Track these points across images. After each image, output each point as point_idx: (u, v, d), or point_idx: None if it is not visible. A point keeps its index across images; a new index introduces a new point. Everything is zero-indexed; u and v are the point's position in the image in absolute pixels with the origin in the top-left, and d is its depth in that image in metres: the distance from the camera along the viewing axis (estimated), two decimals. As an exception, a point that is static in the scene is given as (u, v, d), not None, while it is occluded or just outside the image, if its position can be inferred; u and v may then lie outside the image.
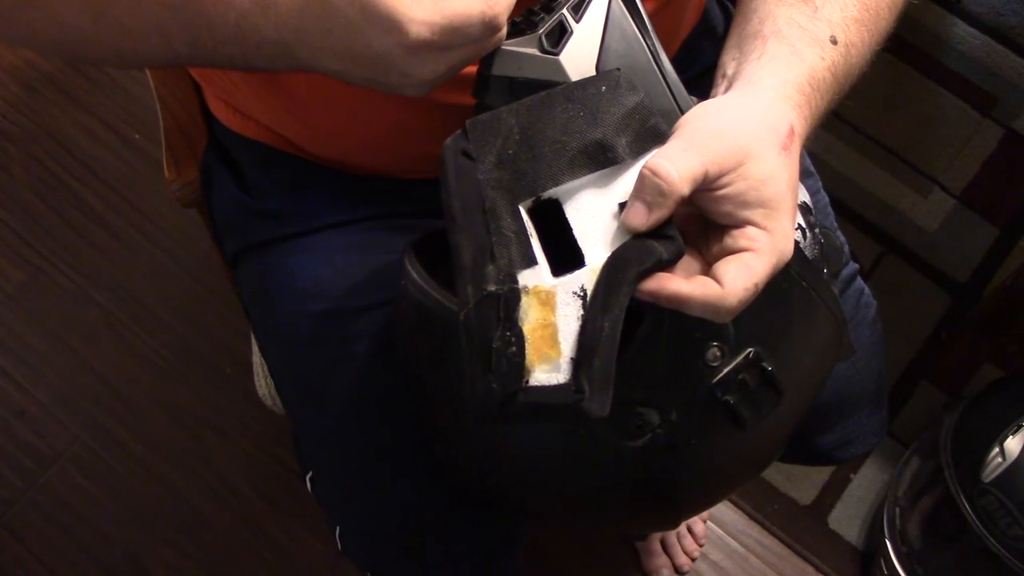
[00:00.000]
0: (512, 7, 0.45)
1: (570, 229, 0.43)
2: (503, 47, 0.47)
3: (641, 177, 0.42)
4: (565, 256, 0.43)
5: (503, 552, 0.71)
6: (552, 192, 0.44)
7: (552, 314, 0.42)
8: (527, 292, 0.42)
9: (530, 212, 0.44)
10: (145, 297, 1.36)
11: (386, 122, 0.63)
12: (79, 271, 1.38)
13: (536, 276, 0.42)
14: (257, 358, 0.87)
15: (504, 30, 0.46)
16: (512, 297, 0.42)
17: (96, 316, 1.35)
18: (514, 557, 0.73)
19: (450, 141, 0.45)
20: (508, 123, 0.44)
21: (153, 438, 1.29)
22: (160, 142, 0.76)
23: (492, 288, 0.42)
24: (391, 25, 0.43)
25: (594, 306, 0.42)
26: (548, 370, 0.41)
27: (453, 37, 0.43)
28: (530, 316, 0.42)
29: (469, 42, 0.44)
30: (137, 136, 1.46)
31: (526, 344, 0.41)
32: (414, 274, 0.54)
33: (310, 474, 0.71)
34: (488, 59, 0.47)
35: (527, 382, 0.41)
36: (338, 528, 0.70)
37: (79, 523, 1.24)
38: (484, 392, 0.41)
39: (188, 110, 0.77)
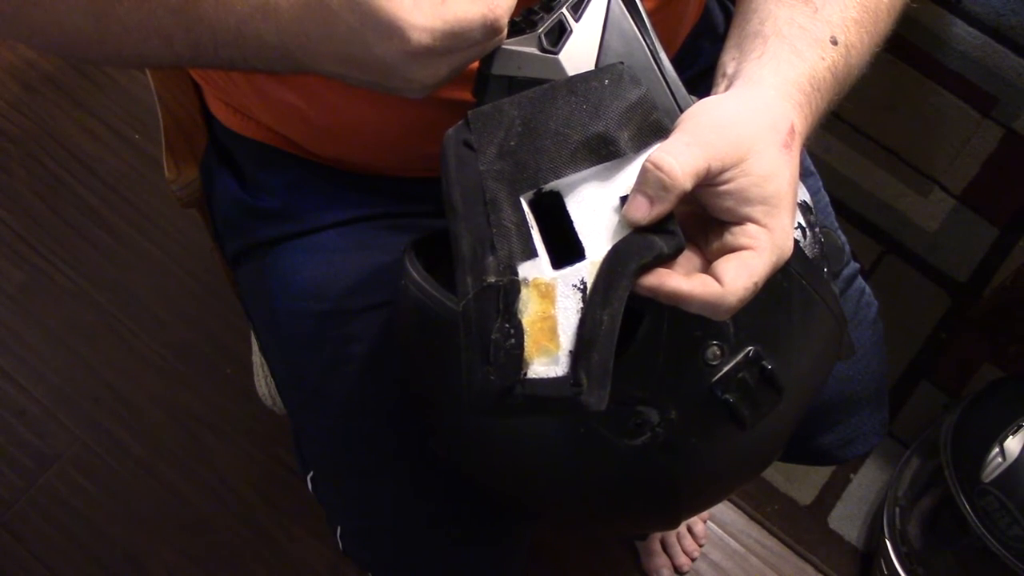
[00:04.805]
0: (513, 9, 0.45)
1: (571, 222, 0.43)
2: (503, 46, 0.47)
3: (644, 171, 0.42)
4: (565, 249, 0.43)
5: (505, 552, 0.71)
6: (553, 184, 0.44)
7: (552, 307, 0.42)
8: (527, 284, 0.42)
9: (531, 204, 0.44)
10: (145, 297, 1.36)
11: (388, 120, 0.63)
12: (79, 271, 1.38)
13: (536, 268, 0.42)
14: (257, 358, 0.87)
15: (505, 31, 0.46)
16: (512, 289, 0.42)
17: (96, 316, 1.35)
18: (516, 557, 0.73)
19: (452, 131, 0.45)
20: (510, 114, 0.44)
21: (153, 438, 1.29)
22: (160, 142, 0.76)
23: (492, 279, 0.42)
24: (392, 31, 0.43)
25: (594, 299, 0.41)
26: (546, 363, 0.41)
27: (454, 42, 0.43)
28: (529, 308, 0.42)
29: (470, 46, 0.44)
30: (137, 136, 1.46)
31: (525, 336, 0.41)
32: (414, 274, 0.54)
33: (310, 474, 0.72)
34: (488, 58, 0.47)
35: (525, 375, 0.41)
36: (338, 528, 0.70)
37: (79, 523, 1.24)
38: (482, 384, 0.41)
39: (188, 110, 0.77)
